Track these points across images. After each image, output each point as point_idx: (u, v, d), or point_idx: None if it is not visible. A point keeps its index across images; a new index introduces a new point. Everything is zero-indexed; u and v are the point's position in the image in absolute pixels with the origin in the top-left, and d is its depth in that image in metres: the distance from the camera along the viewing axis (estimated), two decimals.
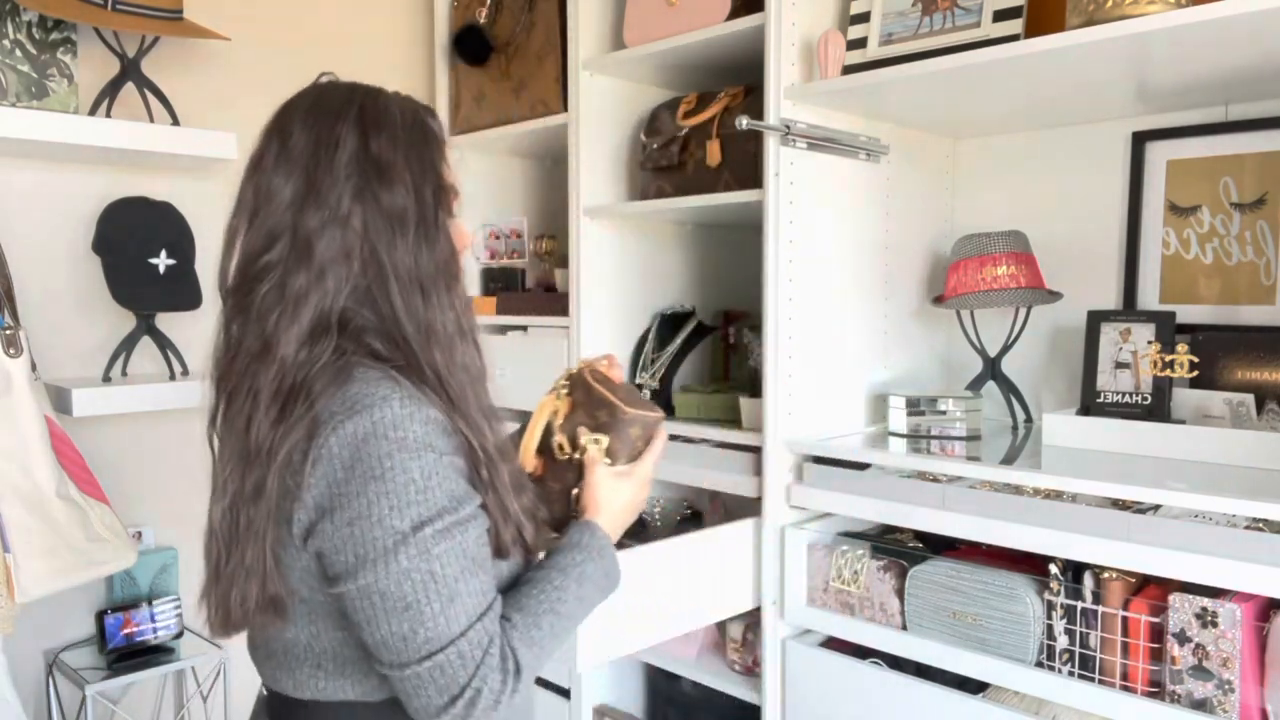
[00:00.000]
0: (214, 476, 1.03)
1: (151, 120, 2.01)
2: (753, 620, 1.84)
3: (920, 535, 1.76)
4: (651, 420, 1.20)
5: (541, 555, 1.09)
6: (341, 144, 0.98)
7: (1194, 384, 1.67)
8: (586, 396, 1.18)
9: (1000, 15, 1.53)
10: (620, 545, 1.68)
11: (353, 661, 0.98)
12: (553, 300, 2.21)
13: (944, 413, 1.76)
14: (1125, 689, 1.38)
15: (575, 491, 1.16)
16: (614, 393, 1.18)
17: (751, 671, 1.87)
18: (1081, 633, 1.42)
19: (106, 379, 1.96)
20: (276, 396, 0.94)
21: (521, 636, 0.97)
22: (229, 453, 0.99)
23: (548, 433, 1.19)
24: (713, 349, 2.23)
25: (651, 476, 1.20)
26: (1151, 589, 1.41)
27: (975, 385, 1.91)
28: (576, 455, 1.16)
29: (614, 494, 1.14)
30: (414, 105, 1.06)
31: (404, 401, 0.92)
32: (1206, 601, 1.30)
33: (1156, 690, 1.36)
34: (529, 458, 1.17)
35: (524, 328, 2.29)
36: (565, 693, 2.11)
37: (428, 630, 0.90)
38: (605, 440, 1.16)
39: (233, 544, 0.97)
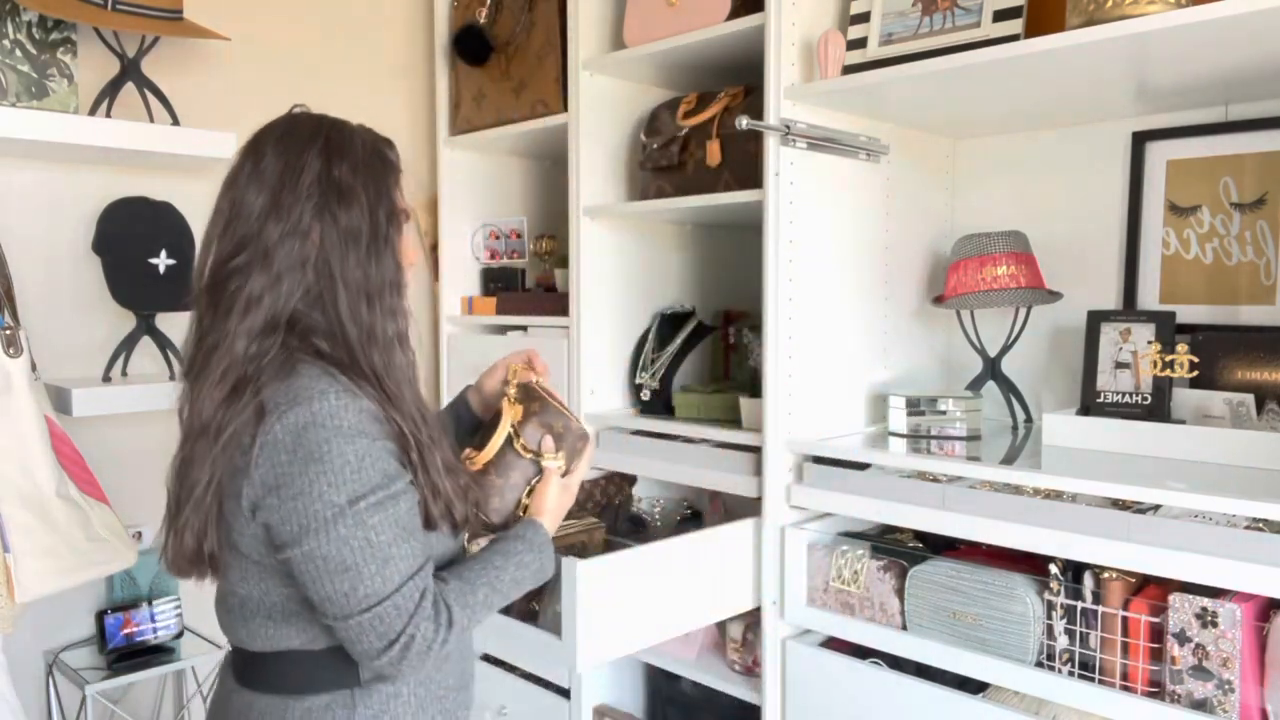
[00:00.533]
0: (178, 447, 1.16)
1: (151, 120, 2.01)
2: (753, 620, 1.84)
3: (920, 535, 1.76)
4: (586, 434, 1.35)
5: (481, 540, 1.25)
6: (307, 168, 1.11)
7: (1194, 384, 1.67)
8: (542, 407, 1.32)
9: (1000, 15, 1.53)
10: (620, 545, 1.70)
11: (296, 614, 1.10)
12: (553, 300, 2.21)
13: (944, 413, 1.76)
14: (1125, 689, 1.38)
15: (527, 496, 1.30)
16: (563, 405, 1.34)
17: (751, 671, 1.87)
18: (1081, 633, 1.42)
19: (106, 379, 1.96)
20: (225, 381, 1.07)
21: (457, 596, 1.11)
22: (187, 427, 1.12)
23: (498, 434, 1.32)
24: (713, 349, 2.23)
25: (570, 494, 1.35)
26: (1151, 589, 1.41)
27: (975, 385, 1.91)
28: (541, 460, 1.30)
29: (558, 501, 1.31)
30: (375, 137, 1.19)
31: (339, 394, 1.05)
32: (1206, 601, 1.31)
33: (1156, 690, 1.36)
34: (488, 457, 1.29)
35: (524, 328, 2.29)
36: (565, 693, 2.11)
37: (366, 587, 1.04)
38: (562, 455, 1.31)
39: (182, 503, 1.12)
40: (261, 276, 1.09)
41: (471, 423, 1.44)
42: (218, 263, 1.12)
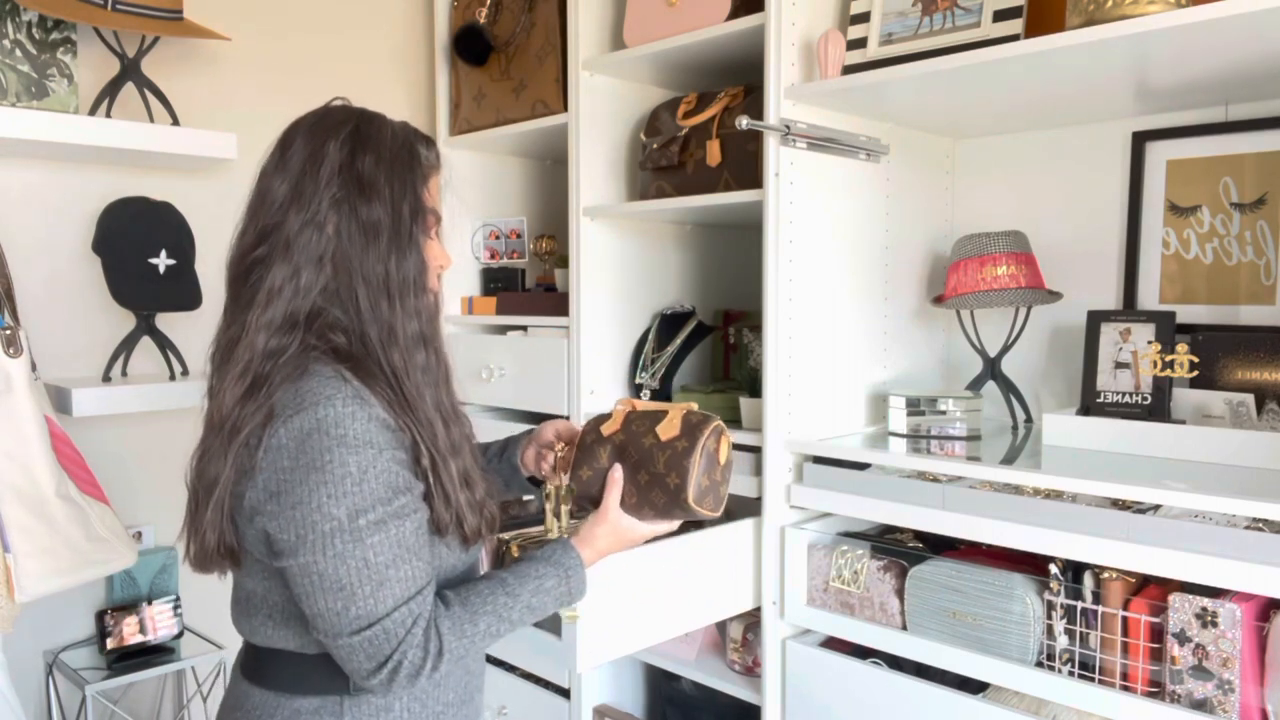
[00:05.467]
0: (199, 440, 1.15)
1: (151, 120, 2.01)
2: (753, 620, 1.84)
3: (920, 535, 1.76)
4: (667, 529, 1.30)
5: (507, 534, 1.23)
6: (329, 158, 1.09)
7: (1194, 384, 1.67)
8: (689, 446, 1.23)
9: (1000, 15, 1.53)
10: None
11: (295, 617, 1.09)
12: (553, 300, 2.21)
13: (944, 413, 1.76)
14: (1125, 689, 1.38)
15: (572, 513, 1.29)
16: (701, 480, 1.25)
17: (751, 671, 1.87)
18: (1081, 633, 1.42)
19: (106, 379, 1.96)
20: (245, 377, 1.06)
21: (453, 626, 1.07)
22: (208, 421, 1.11)
23: (644, 433, 1.26)
24: (713, 349, 2.23)
25: (627, 544, 1.28)
26: (1151, 589, 1.41)
27: (975, 385, 1.91)
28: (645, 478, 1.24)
29: (613, 537, 1.25)
30: (409, 132, 1.16)
31: (346, 401, 1.02)
32: (1206, 601, 1.30)
33: (1156, 690, 1.36)
34: (664, 434, 1.25)
35: (524, 328, 2.29)
36: (565, 693, 2.11)
37: (358, 609, 1.01)
38: (651, 511, 1.25)
39: (201, 497, 1.09)
40: (282, 268, 1.07)
41: (520, 480, 1.42)
42: (241, 253, 1.11)
